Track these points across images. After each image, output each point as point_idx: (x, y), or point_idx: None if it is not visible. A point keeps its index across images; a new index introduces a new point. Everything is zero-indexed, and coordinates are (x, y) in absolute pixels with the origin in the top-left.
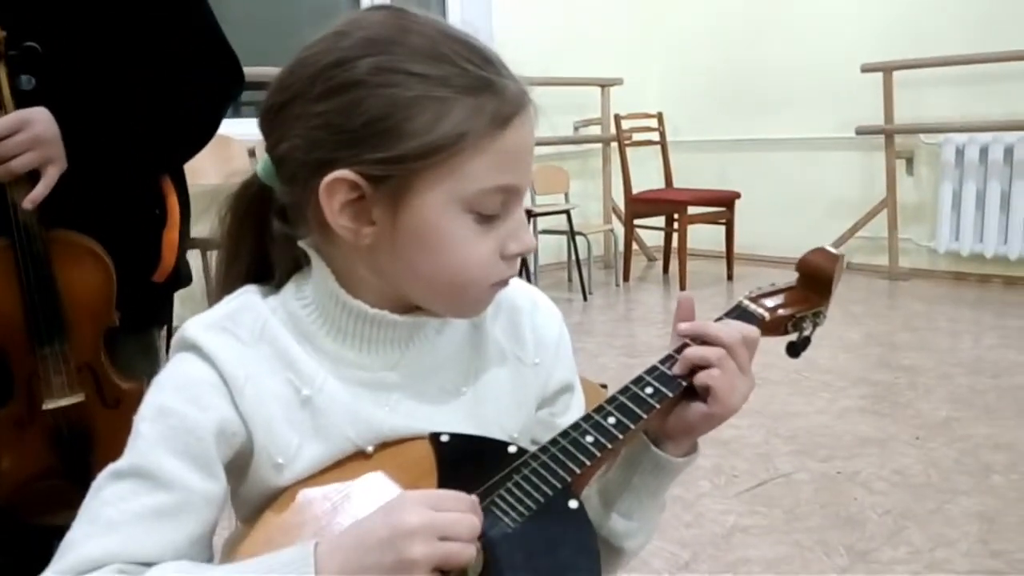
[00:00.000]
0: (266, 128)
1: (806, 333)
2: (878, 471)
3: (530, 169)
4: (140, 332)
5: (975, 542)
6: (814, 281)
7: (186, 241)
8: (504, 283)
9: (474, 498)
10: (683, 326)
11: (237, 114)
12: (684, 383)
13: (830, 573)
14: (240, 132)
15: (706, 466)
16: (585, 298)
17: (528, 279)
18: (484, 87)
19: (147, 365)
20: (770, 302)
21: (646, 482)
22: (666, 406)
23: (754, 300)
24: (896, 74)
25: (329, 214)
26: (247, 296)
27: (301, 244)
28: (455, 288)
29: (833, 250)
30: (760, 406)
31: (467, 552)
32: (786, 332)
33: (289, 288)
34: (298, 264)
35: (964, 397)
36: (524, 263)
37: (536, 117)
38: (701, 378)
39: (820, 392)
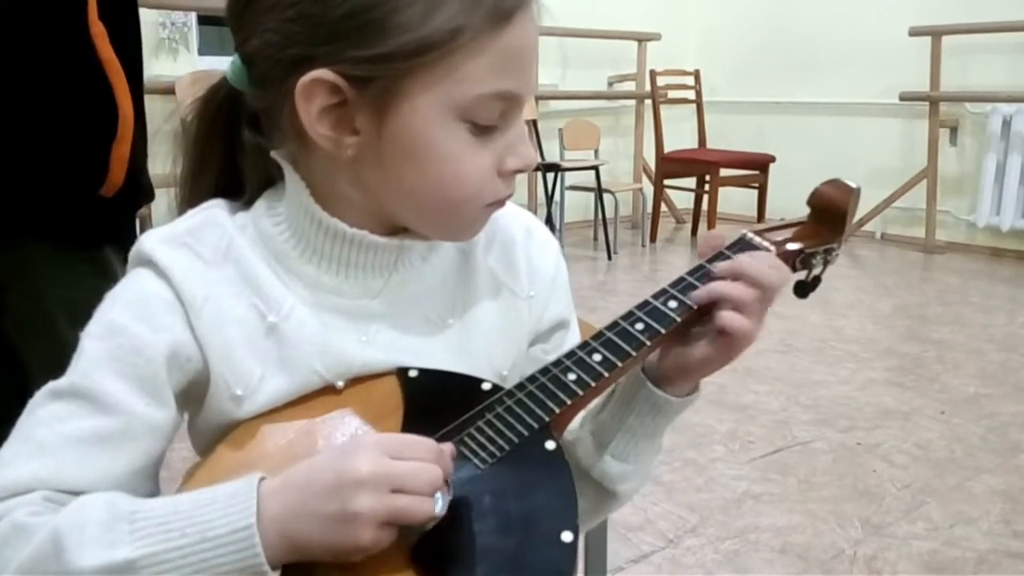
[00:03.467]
0: (234, 22)
1: (816, 271)
2: (899, 444)
3: (533, 75)
4: (90, 249)
5: (997, 521)
6: (827, 215)
7: (142, 156)
8: (501, 203)
9: (447, 446)
10: (722, 265)
11: None
12: (678, 319)
13: (842, 544)
14: None
15: (721, 431)
16: (610, 257)
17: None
18: None
19: (101, 286)
20: (778, 236)
21: (643, 423)
22: (658, 343)
23: (759, 234)
24: (944, 39)
25: (307, 121)
26: (213, 211)
27: (274, 155)
28: (447, 206)
29: (849, 183)
30: (781, 373)
31: (420, 507)
32: (794, 270)
33: (260, 205)
34: (271, 179)
35: (995, 374)
36: (549, 219)
37: (539, 15)
38: (725, 319)
39: (845, 362)
